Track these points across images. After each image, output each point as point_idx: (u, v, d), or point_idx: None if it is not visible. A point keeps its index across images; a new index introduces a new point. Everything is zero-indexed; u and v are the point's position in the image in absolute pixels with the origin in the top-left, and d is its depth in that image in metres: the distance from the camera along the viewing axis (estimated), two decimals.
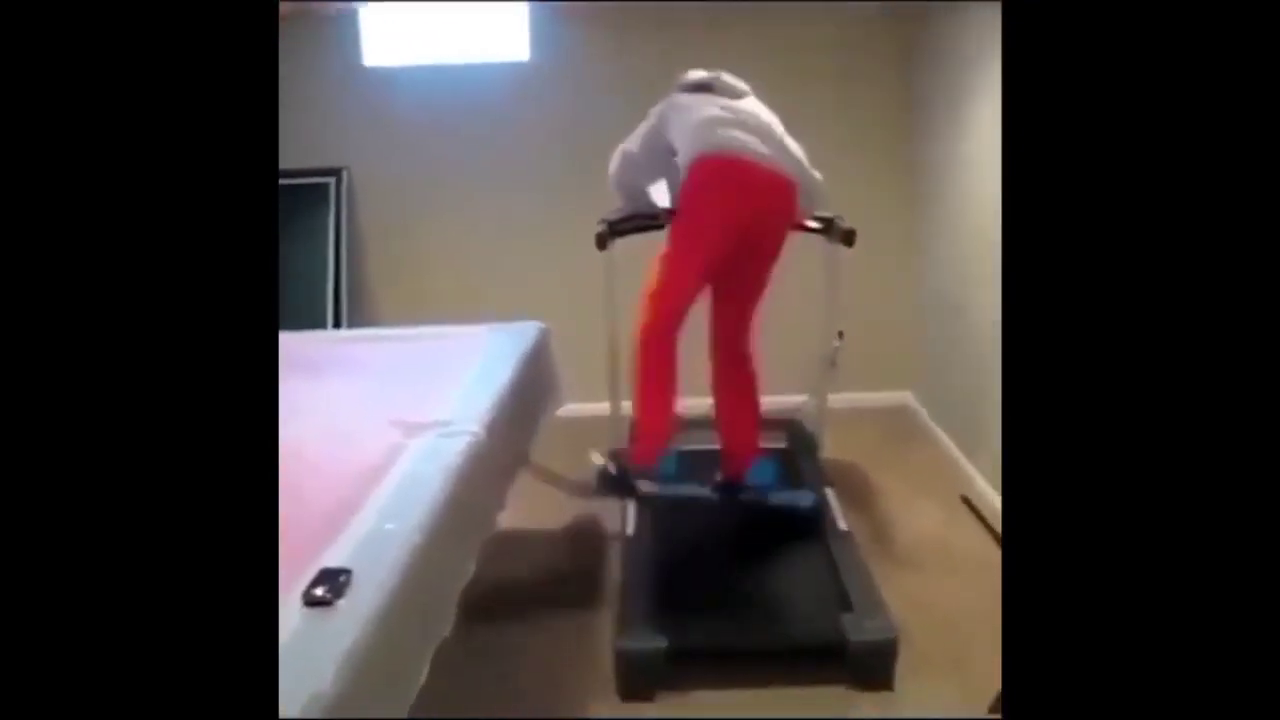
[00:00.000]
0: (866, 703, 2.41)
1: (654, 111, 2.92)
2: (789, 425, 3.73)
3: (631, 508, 3.07)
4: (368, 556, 1.58)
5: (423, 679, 1.63)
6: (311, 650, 1.31)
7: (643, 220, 3.12)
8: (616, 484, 2.92)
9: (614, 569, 2.95)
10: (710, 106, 2.77)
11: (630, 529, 3.00)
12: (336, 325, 4.29)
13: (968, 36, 3.56)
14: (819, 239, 3.20)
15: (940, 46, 3.92)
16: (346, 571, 1.50)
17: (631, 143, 2.97)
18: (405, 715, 1.54)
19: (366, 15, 3.92)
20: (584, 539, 3.38)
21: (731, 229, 2.67)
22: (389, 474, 1.93)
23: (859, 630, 2.43)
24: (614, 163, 3.02)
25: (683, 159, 2.74)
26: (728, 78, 2.86)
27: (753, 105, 2.84)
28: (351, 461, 1.98)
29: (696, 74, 2.90)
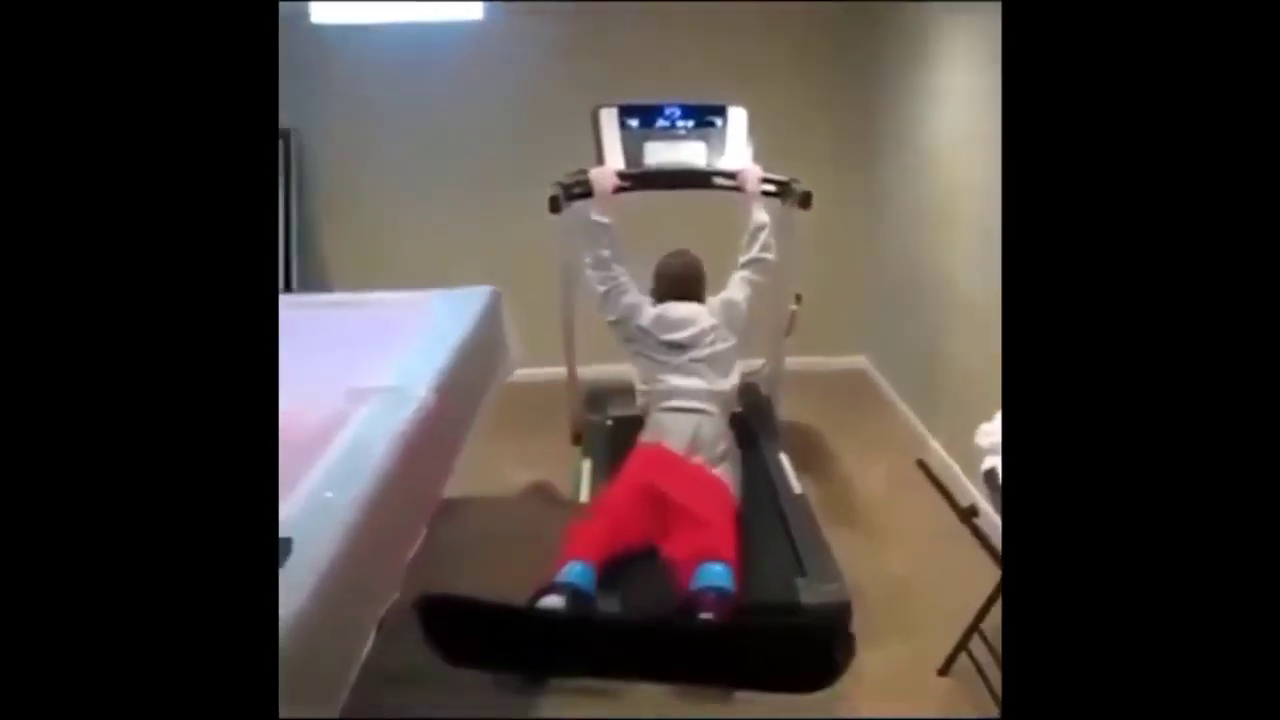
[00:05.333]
0: None
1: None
2: (745, 389, 3.72)
3: (586, 474, 3.05)
4: (308, 525, 1.55)
5: (368, 645, 1.61)
6: None
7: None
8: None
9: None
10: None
11: (584, 495, 2.98)
12: (287, 289, 4.21)
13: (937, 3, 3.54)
14: (775, 202, 3.17)
15: (906, 15, 3.89)
16: (286, 540, 1.47)
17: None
18: (349, 682, 1.52)
19: None
20: (536, 505, 3.36)
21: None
22: (333, 441, 1.89)
23: (812, 593, 2.43)
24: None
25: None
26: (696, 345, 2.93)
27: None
28: (294, 428, 1.92)
29: (672, 336, 2.92)
